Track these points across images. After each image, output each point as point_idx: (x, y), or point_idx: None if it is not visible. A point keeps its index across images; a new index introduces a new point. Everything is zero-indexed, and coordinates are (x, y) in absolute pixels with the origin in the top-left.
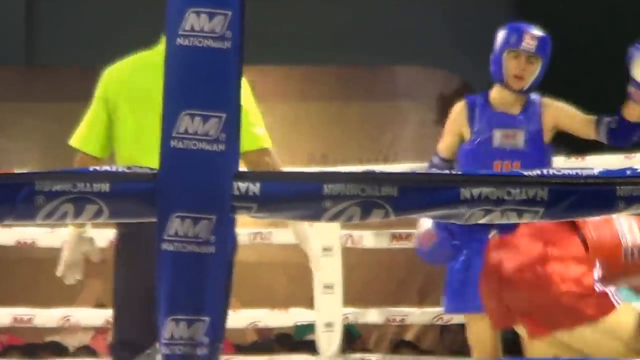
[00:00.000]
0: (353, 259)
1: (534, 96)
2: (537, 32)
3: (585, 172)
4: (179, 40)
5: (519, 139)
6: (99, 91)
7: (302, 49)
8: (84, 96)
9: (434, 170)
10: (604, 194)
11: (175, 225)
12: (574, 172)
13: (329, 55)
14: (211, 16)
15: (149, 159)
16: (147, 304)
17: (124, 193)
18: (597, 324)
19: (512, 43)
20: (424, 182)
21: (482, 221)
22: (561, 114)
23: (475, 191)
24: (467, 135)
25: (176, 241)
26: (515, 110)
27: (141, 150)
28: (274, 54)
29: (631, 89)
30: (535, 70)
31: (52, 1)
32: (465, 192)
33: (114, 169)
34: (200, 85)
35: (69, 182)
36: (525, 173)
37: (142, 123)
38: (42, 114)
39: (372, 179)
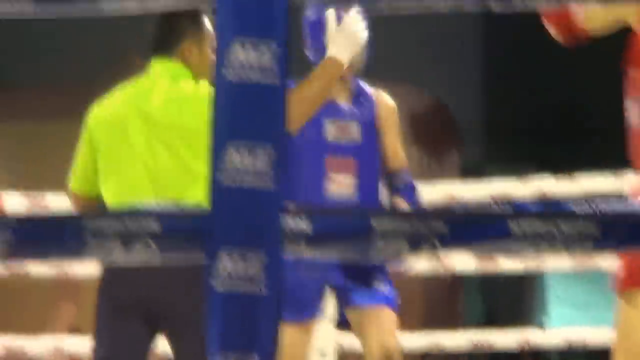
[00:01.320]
0: None
1: (363, 83)
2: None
3: (636, 207)
4: (226, 74)
5: (354, 132)
6: (84, 131)
7: None
8: (47, 115)
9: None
10: None
11: (224, 262)
12: (623, 206)
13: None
14: (258, 50)
15: (137, 192)
16: None
17: (173, 231)
18: None
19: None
20: (472, 217)
21: (531, 256)
22: (385, 118)
23: (525, 225)
24: None
25: (225, 279)
26: (345, 99)
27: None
28: None
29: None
30: (361, 52)
31: (10, 21)
32: (514, 227)
33: (162, 208)
34: (247, 119)
35: (119, 220)
36: (575, 207)
37: (120, 156)
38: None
39: (421, 214)
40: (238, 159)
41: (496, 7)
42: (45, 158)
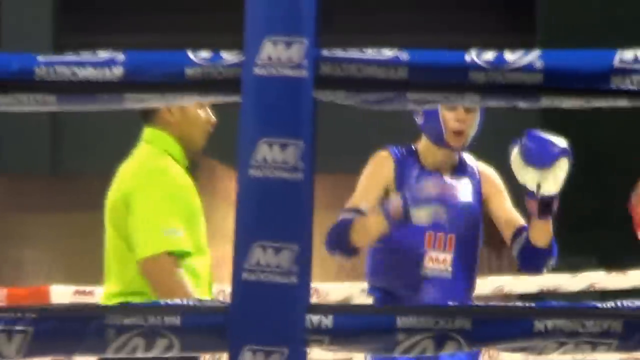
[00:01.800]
0: None
1: (466, 154)
2: None
3: None
4: (251, 172)
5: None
6: None
7: (332, 157)
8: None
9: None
10: None
11: (247, 358)
12: None
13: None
14: (284, 147)
15: None
16: None
17: (195, 326)
18: None
19: None
20: (497, 314)
21: (555, 354)
22: (492, 191)
23: (549, 323)
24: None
25: None
26: (449, 172)
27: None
28: None
29: (526, 200)
30: (474, 122)
31: (74, 113)
32: (539, 325)
33: (185, 302)
34: (272, 216)
35: (141, 315)
36: (599, 305)
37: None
38: (66, 225)
39: (446, 311)
40: (262, 254)
41: (522, 104)
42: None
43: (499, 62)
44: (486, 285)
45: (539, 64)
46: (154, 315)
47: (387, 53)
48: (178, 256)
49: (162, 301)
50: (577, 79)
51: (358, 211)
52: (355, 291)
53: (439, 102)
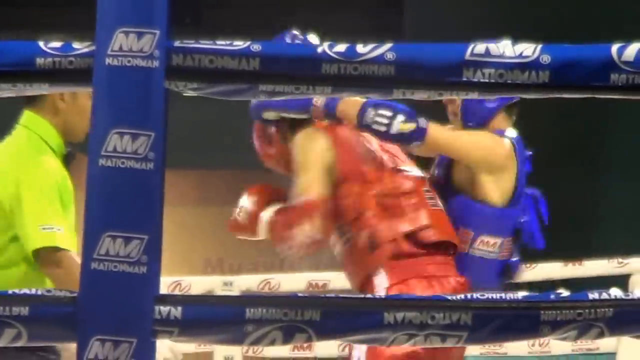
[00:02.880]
0: None
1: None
2: None
3: (509, 297)
4: (102, 161)
5: None
6: None
7: (197, 154)
8: None
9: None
10: (528, 319)
11: (96, 348)
12: (498, 296)
13: (224, 160)
14: (135, 137)
15: None
16: None
17: (44, 316)
18: None
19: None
20: (346, 306)
21: (405, 345)
22: None
23: (399, 315)
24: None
25: None
26: None
27: None
28: (170, 158)
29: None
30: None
31: None
32: (388, 317)
33: (33, 291)
34: (122, 205)
35: None
36: (449, 297)
37: None
38: None
39: (295, 303)
40: (111, 244)
41: (374, 96)
42: None
43: (351, 54)
44: None
45: (390, 56)
46: (2, 305)
47: (239, 44)
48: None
49: (9, 290)
50: (428, 71)
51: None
52: (217, 284)
53: (291, 94)
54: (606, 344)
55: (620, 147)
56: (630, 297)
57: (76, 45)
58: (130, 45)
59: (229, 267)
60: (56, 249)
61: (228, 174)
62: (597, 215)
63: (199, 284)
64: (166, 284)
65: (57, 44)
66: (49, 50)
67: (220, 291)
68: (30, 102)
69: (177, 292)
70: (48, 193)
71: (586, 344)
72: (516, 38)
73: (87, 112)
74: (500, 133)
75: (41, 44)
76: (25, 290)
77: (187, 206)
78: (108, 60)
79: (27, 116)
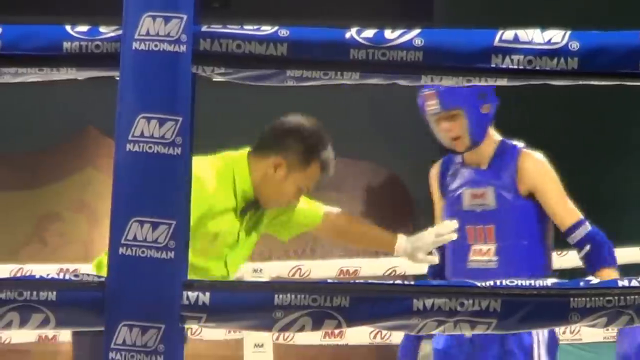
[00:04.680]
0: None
1: (511, 144)
2: (438, 85)
3: (538, 284)
4: (129, 146)
5: (489, 198)
6: None
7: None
8: None
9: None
10: (557, 306)
11: (123, 334)
12: (527, 283)
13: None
14: (162, 122)
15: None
16: None
17: (71, 301)
18: None
19: (422, 110)
20: (375, 292)
21: (434, 332)
22: (530, 183)
23: (428, 302)
24: (443, 199)
25: (124, 350)
26: (484, 164)
27: None
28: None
29: None
30: (464, 124)
31: None
32: (417, 303)
33: (60, 276)
34: (149, 190)
35: (15, 289)
36: (479, 284)
37: None
38: None
39: (324, 289)
40: (139, 229)
41: (403, 82)
42: None
43: (379, 39)
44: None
45: (418, 42)
46: (29, 289)
47: (267, 29)
48: None
49: (37, 275)
50: (457, 57)
51: None
52: (247, 271)
53: (319, 79)
54: None
55: None
56: None
57: (103, 29)
58: (157, 29)
59: (259, 254)
60: None
61: None
62: (626, 202)
63: None
64: None
65: (84, 28)
66: (75, 35)
67: (250, 278)
68: (257, 149)
69: None
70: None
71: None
72: (546, 24)
73: (285, 195)
74: (512, 144)
75: (68, 27)
76: (53, 275)
77: None
78: (135, 45)
79: (241, 154)
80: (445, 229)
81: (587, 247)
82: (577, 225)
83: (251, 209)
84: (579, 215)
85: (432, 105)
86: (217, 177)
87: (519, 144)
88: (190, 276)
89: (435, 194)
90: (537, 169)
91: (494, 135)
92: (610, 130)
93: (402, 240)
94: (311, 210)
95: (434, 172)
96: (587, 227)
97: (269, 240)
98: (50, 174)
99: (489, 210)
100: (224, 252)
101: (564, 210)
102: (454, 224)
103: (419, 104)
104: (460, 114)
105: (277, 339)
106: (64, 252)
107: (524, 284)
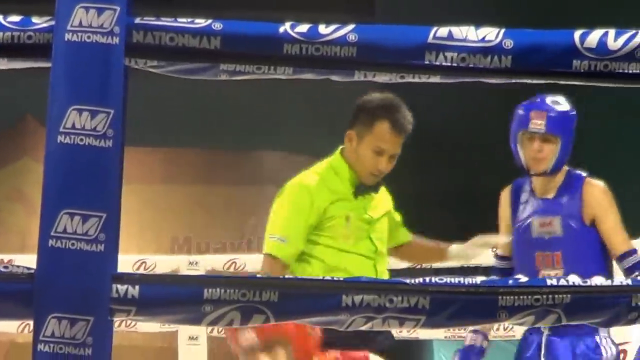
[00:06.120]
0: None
1: (576, 174)
2: (551, 108)
3: (467, 281)
4: (60, 138)
5: (556, 226)
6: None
7: (165, 131)
8: None
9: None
10: (485, 303)
11: (52, 326)
12: (456, 281)
13: (193, 138)
14: (93, 115)
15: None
16: None
17: (1, 294)
18: None
19: (522, 124)
20: (305, 288)
21: (362, 328)
22: (591, 212)
23: (357, 298)
24: (512, 224)
25: (52, 342)
26: (551, 193)
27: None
28: (137, 136)
29: None
30: (555, 150)
31: None
32: (346, 299)
33: None
34: (80, 182)
35: None
36: (407, 281)
37: None
38: None
39: (253, 283)
40: (69, 222)
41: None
42: None
43: (313, 34)
44: None
45: (352, 38)
46: None
47: (201, 22)
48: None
49: None
50: (390, 54)
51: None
52: (183, 263)
53: (252, 74)
54: None
55: None
56: (588, 283)
57: (35, 19)
58: (90, 21)
59: (196, 247)
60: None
61: (196, 152)
62: None
63: (164, 263)
64: (131, 262)
65: (16, 18)
66: (7, 25)
67: (185, 270)
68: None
69: (142, 270)
70: (288, 206)
71: None
72: (486, 21)
73: (366, 162)
74: (578, 174)
75: (0, 17)
76: None
77: (155, 184)
78: (67, 36)
79: (335, 152)
80: (494, 239)
81: (636, 273)
82: (630, 253)
83: (363, 190)
84: (631, 244)
85: (538, 125)
86: (319, 177)
87: (583, 173)
88: (345, 258)
89: (505, 217)
90: (599, 198)
91: (564, 166)
92: None
93: (453, 249)
94: (404, 232)
95: (505, 196)
96: (638, 256)
97: (207, 232)
98: None
99: (556, 237)
100: (363, 231)
101: (619, 238)
102: (505, 237)
103: (519, 116)
104: (557, 141)
105: (212, 331)
106: (0, 242)
107: (453, 281)
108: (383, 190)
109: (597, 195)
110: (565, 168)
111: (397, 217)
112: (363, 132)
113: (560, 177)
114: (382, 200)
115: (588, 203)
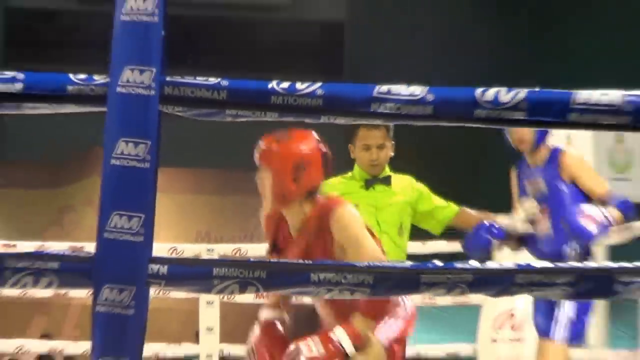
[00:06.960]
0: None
1: (556, 148)
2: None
3: (399, 265)
4: (113, 161)
5: (542, 185)
6: None
7: (192, 156)
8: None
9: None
10: (411, 281)
11: (106, 293)
12: (391, 264)
13: (211, 161)
14: (136, 145)
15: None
16: None
17: (69, 270)
18: None
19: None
20: (284, 268)
21: (325, 297)
22: (572, 169)
23: (322, 275)
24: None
25: (106, 305)
26: (540, 164)
27: None
28: (178, 159)
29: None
30: (533, 133)
31: None
32: (314, 276)
33: (62, 252)
34: (127, 192)
35: (30, 260)
36: (357, 264)
37: None
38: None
39: (248, 265)
40: (119, 221)
41: (308, 120)
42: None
43: (292, 89)
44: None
45: (320, 92)
46: (41, 260)
47: (212, 80)
48: None
49: (44, 250)
50: (347, 104)
51: None
52: (203, 250)
53: (249, 117)
54: (476, 298)
55: None
56: (485, 267)
57: (96, 77)
58: (135, 78)
59: (214, 238)
60: None
61: (214, 172)
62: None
63: (189, 250)
64: (166, 249)
65: (82, 76)
66: (76, 80)
67: (205, 255)
68: None
69: (173, 255)
70: None
71: (463, 299)
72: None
73: (362, 158)
74: (557, 148)
75: (71, 75)
76: (56, 251)
77: (185, 194)
78: (118, 89)
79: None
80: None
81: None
82: (606, 197)
83: (372, 182)
84: (605, 186)
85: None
86: (341, 177)
87: (562, 147)
88: None
89: (515, 188)
90: (572, 162)
91: (550, 144)
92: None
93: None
94: (449, 207)
95: (513, 174)
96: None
97: (222, 228)
98: (67, 178)
99: (542, 196)
100: (370, 215)
101: (593, 184)
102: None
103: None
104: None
105: (223, 298)
106: (75, 234)
107: (389, 265)
108: (405, 184)
109: (570, 160)
110: (552, 146)
111: (433, 202)
112: (354, 141)
113: (545, 152)
114: (398, 193)
115: (565, 166)
